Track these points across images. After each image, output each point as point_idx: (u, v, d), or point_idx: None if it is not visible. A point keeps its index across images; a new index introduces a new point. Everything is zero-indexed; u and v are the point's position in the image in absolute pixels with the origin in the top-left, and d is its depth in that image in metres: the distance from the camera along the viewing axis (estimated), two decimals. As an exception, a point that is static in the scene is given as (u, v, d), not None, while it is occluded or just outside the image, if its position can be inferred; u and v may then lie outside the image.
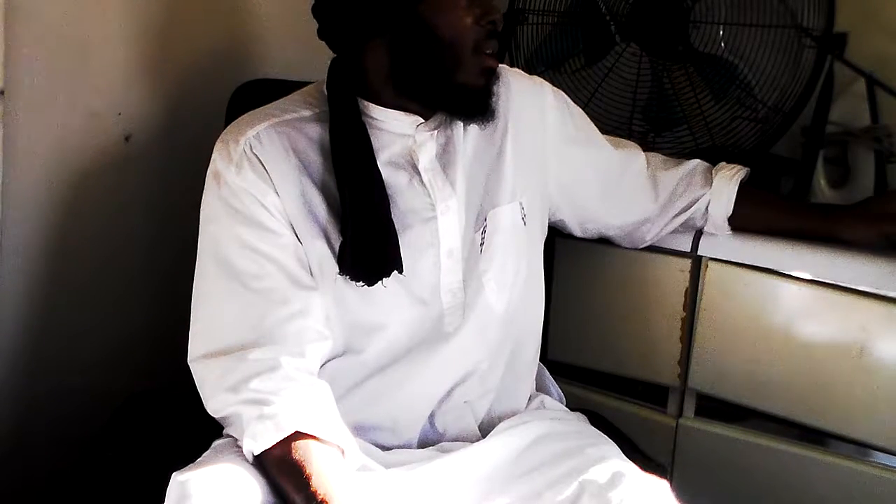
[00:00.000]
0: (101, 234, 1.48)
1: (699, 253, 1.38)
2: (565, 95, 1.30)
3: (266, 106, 1.14)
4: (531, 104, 1.23)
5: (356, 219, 1.05)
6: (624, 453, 1.11)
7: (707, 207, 1.32)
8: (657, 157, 1.36)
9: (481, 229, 1.16)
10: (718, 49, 1.53)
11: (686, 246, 1.38)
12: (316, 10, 1.12)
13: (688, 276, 1.39)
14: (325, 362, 1.10)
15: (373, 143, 1.10)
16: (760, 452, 1.37)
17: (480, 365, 1.16)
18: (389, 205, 1.08)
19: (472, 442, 1.13)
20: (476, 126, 1.16)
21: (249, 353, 1.01)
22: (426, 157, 1.14)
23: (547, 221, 1.28)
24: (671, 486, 1.04)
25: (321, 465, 0.97)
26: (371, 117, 1.12)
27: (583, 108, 1.32)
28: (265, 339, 1.03)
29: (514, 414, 1.19)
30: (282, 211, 1.06)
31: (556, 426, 1.17)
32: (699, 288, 1.38)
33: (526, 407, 1.23)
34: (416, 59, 1.08)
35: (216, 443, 1.06)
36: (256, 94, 1.36)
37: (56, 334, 1.45)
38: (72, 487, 1.25)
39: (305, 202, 1.08)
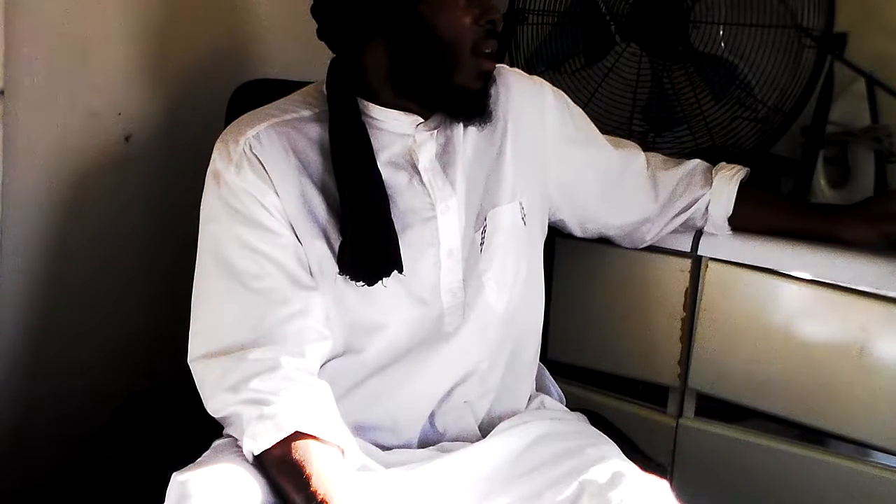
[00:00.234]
0: (101, 234, 1.48)
1: (699, 253, 1.38)
2: (565, 95, 1.30)
3: (266, 106, 1.14)
4: (531, 104, 1.23)
5: (356, 219, 1.05)
6: (624, 453, 1.11)
7: (707, 207, 1.32)
8: (657, 157, 1.36)
9: (481, 229, 1.16)
10: (718, 49, 1.53)
11: (686, 246, 1.38)
12: (315, 11, 1.13)
13: (688, 276, 1.39)
14: (325, 362, 1.10)
15: (373, 143, 1.10)
16: (760, 452, 1.37)
17: (480, 365, 1.16)
18: (389, 205, 1.08)
19: (472, 442, 1.13)
20: (475, 126, 1.16)
21: (249, 353, 1.01)
22: (426, 156, 1.14)
23: (547, 221, 1.28)
24: (671, 486, 1.04)
25: (321, 465, 0.97)
26: (371, 117, 1.12)
27: (583, 108, 1.32)
28: (265, 339, 1.03)
29: (514, 414, 1.19)
30: (281, 211, 1.06)
31: (556, 426, 1.17)
32: (699, 288, 1.38)
33: (526, 407, 1.23)
34: (415, 58, 1.08)
35: (216, 443, 1.06)
36: (256, 94, 1.36)
37: (56, 334, 1.45)
38: (72, 487, 1.25)
39: (305, 202, 1.08)
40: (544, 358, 1.37)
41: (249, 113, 1.13)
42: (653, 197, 1.32)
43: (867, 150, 1.56)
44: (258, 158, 1.07)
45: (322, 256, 1.07)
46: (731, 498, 1.38)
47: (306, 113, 1.13)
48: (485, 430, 1.16)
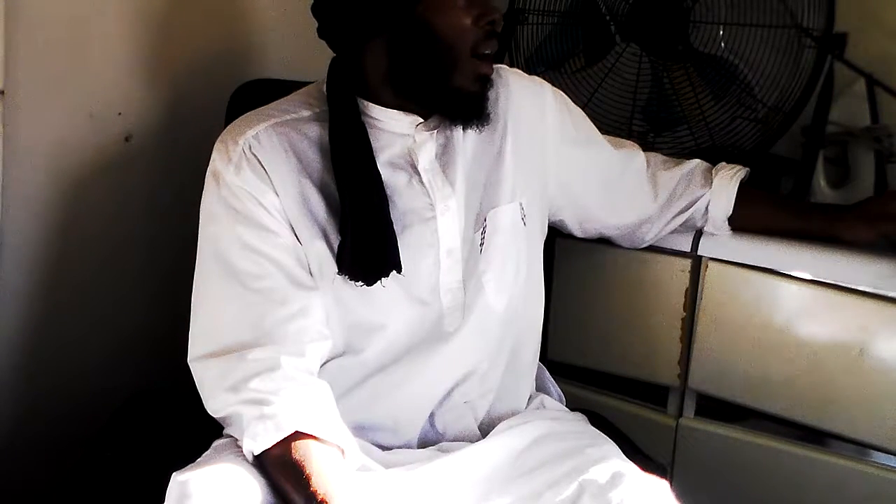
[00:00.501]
0: (101, 234, 1.48)
1: (699, 253, 1.38)
2: (565, 96, 1.30)
3: (266, 106, 1.14)
4: (531, 104, 1.23)
5: (355, 219, 1.05)
6: (624, 453, 1.11)
7: (707, 207, 1.32)
8: (657, 157, 1.36)
9: (481, 229, 1.16)
10: (718, 49, 1.53)
11: (686, 246, 1.38)
12: (315, 10, 1.12)
13: (688, 276, 1.39)
14: (325, 362, 1.10)
15: (372, 143, 1.10)
16: (760, 452, 1.37)
17: (480, 365, 1.16)
18: (389, 205, 1.08)
19: (472, 442, 1.13)
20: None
21: (249, 353, 1.01)
22: (426, 157, 1.14)
23: (547, 222, 1.28)
24: (671, 486, 1.04)
25: (321, 465, 0.97)
26: (371, 117, 1.12)
27: (583, 108, 1.32)
28: (265, 338, 1.03)
29: (514, 414, 1.19)
30: (281, 211, 1.07)
31: (556, 426, 1.17)
32: (699, 288, 1.38)
33: (526, 407, 1.23)
34: (415, 59, 1.08)
35: (216, 443, 1.06)
36: (256, 94, 1.36)
37: (56, 334, 1.45)
38: (72, 487, 1.25)
39: (304, 202, 1.08)
40: (544, 358, 1.37)
41: (249, 113, 1.13)
42: (653, 197, 1.32)
43: (867, 150, 1.56)
44: (258, 158, 1.07)
45: (321, 256, 1.07)
46: (731, 498, 1.38)
47: (306, 113, 1.13)
48: (485, 430, 1.16)
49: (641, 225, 1.34)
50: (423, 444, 1.15)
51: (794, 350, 1.31)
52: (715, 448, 1.41)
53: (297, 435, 0.98)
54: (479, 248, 1.15)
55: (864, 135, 1.55)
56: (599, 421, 1.28)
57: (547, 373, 1.33)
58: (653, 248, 1.39)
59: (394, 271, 1.06)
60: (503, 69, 1.23)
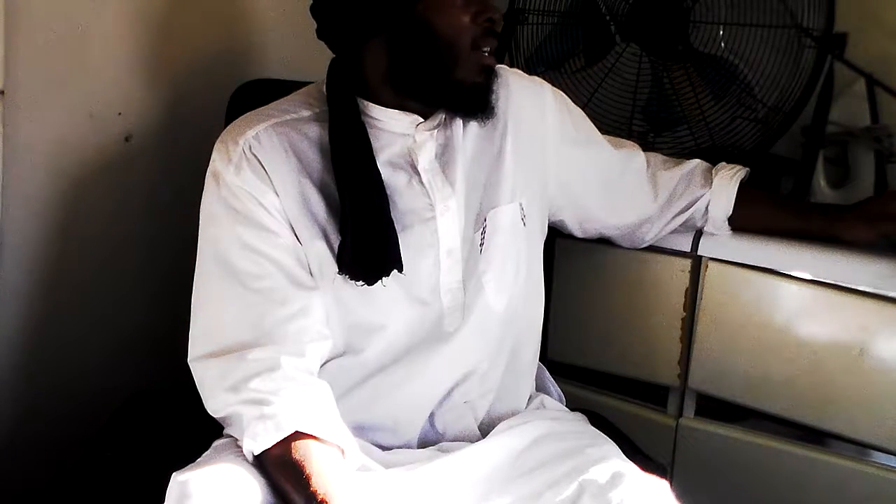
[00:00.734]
0: (101, 234, 1.48)
1: (699, 253, 1.38)
2: (565, 96, 1.30)
3: (266, 106, 1.14)
4: (531, 104, 1.23)
5: (355, 218, 1.05)
6: (624, 453, 1.11)
7: (707, 207, 1.32)
8: (657, 157, 1.36)
9: (481, 230, 1.16)
10: (718, 49, 1.53)
11: (686, 246, 1.38)
12: (314, 10, 1.12)
13: (688, 276, 1.39)
14: (325, 362, 1.10)
15: (372, 143, 1.10)
16: (760, 452, 1.37)
17: (480, 365, 1.16)
18: (389, 205, 1.08)
19: (472, 442, 1.13)
20: (476, 126, 1.16)
21: (249, 353, 1.01)
22: (425, 157, 1.14)
23: (547, 222, 1.28)
24: (671, 486, 1.04)
25: (321, 464, 0.97)
26: (370, 117, 1.12)
27: (583, 108, 1.32)
28: (265, 338, 1.03)
29: (514, 414, 1.19)
30: (281, 211, 1.07)
31: (556, 426, 1.17)
32: (699, 288, 1.38)
33: (526, 407, 1.23)
34: (414, 57, 1.08)
35: (216, 443, 1.06)
36: (256, 94, 1.36)
37: (56, 334, 1.45)
38: (72, 487, 1.25)
39: (305, 202, 1.08)
40: (544, 358, 1.37)
41: (249, 113, 1.13)
42: (652, 197, 1.32)
43: (867, 150, 1.56)
44: (258, 159, 1.07)
45: (322, 256, 1.07)
46: (731, 498, 1.38)
47: (306, 113, 1.13)
48: (485, 430, 1.16)
49: (641, 225, 1.34)
50: (423, 444, 1.15)
51: (794, 350, 1.31)
52: (715, 448, 1.41)
53: (297, 435, 0.98)
54: (479, 248, 1.15)
55: (864, 135, 1.55)
56: (599, 421, 1.28)
57: (547, 373, 1.33)
58: (653, 248, 1.39)
59: (394, 271, 1.06)
60: (503, 69, 1.23)
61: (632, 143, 1.36)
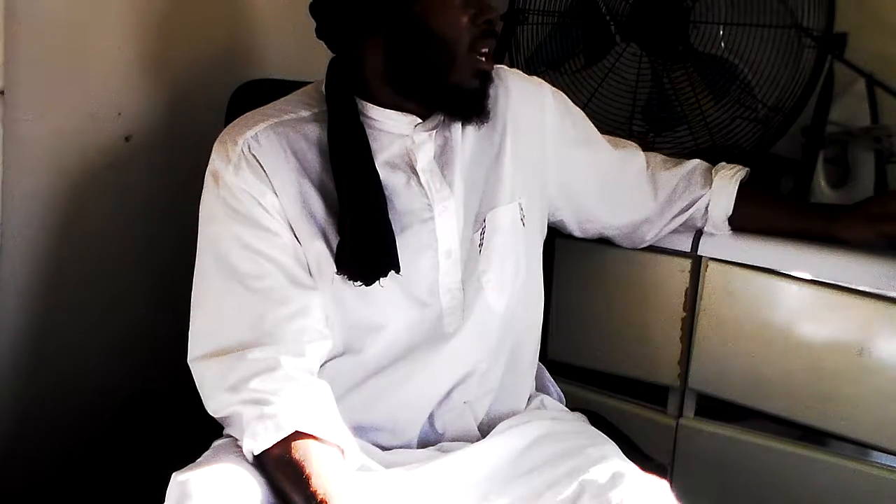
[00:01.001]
0: (100, 234, 1.48)
1: (699, 253, 1.38)
2: (565, 96, 1.30)
3: (265, 106, 1.14)
4: (530, 105, 1.23)
5: (354, 219, 1.05)
6: (624, 453, 1.11)
7: (707, 207, 1.32)
8: (657, 157, 1.36)
9: (480, 230, 1.16)
10: (718, 49, 1.53)
11: (686, 246, 1.38)
12: (313, 9, 1.13)
13: (688, 276, 1.39)
14: (325, 362, 1.10)
15: (371, 143, 1.10)
16: (760, 452, 1.37)
17: (480, 365, 1.16)
18: (387, 205, 1.08)
19: (472, 442, 1.13)
20: (474, 126, 1.16)
21: (249, 353, 1.01)
22: (424, 157, 1.14)
23: (546, 222, 1.28)
24: (671, 486, 1.04)
25: (321, 464, 0.97)
26: (369, 118, 1.12)
27: (583, 109, 1.32)
28: (265, 338, 1.03)
29: (513, 414, 1.19)
30: (280, 211, 1.07)
31: (556, 426, 1.17)
32: (699, 288, 1.38)
33: (525, 407, 1.23)
34: (412, 57, 1.08)
35: (216, 443, 1.06)
36: (256, 94, 1.36)
37: (56, 334, 1.45)
38: (72, 487, 1.25)
39: (304, 202, 1.08)
40: (544, 358, 1.37)
41: (248, 113, 1.13)
42: (652, 197, 1.32)
43: (867, 150, 1.56)
44: (257, 159, 1.07)
45: (320, 256, 1.07)
46: (731, 498, 1.38)
47: (305, 113, 1.13)
48: (484, 430, 1.16)
49: (641, 225, 1.34)
50: (423, 444, 1.15)
51: (794, 350, 1.31)
52: (715, 448, 1.41)
53: (297, 435, 0.98)
54: (479, 248, 1.15)
55: (864, 135, 1.55)
56: (599, 421, 1.28)
57: (547, 373, 1.33)
58: (653, 248, 1.39)
59: (392, 272, 1.06)
60: (503, 70, 1.23)
61: (632, 143, 1.36)
